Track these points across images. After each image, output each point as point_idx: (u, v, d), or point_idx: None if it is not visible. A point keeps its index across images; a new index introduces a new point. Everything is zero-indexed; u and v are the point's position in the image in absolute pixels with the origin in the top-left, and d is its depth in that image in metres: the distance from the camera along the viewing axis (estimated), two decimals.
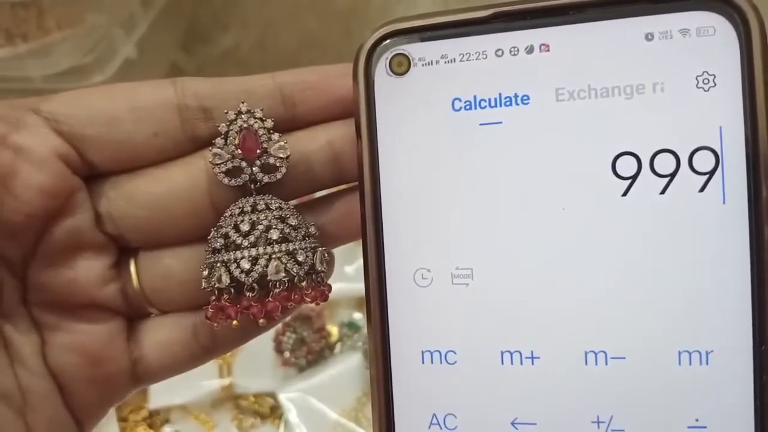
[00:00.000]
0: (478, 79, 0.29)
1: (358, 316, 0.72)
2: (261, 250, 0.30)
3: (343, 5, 0.84)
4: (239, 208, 0.31)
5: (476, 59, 0.29)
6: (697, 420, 0.27)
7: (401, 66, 0.29)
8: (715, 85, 0.27)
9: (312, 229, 0.31)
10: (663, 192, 0.27)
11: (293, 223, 0.30)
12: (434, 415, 0.30)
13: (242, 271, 0.30)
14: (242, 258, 0.30)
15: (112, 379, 0.32)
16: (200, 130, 0.31)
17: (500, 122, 0.29)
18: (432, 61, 0.29)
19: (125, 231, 0.32)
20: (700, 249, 0.27)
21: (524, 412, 0.29)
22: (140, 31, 0.74)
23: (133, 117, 0.31)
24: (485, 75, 0.29)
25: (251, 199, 0.31)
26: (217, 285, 0.30)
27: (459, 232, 0.29)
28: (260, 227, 0.30)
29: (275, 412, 0.67)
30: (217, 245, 0.30)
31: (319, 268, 0.31)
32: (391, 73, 0.30)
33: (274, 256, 0.30)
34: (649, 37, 0.27)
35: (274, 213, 0.30)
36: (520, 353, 0.29)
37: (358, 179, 0.30)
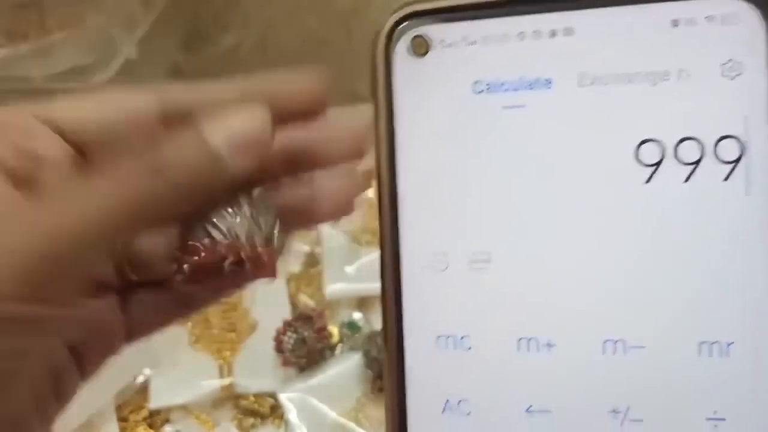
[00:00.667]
0: (499, 62, 0.29)
1: (358, 317, 0.72)
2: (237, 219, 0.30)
3: (344, 5, 0.84)
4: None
5: (498, 42, 0.29)
6: (715, 412, 0.27)
7: (421, 47, 0.29)
8: (741, 73, 0.26)
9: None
10: (687, 180, 0.27)
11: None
12: (447, 400, 0.29)
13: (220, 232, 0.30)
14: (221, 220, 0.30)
15: (113, 344, 0.33)
16: None
17: (521, 106, 0.28)
18: (452, 43, 0.29)
19: None
20: (723, 238, 0.27)
21: (539, 400, 0.28)
22: (141, 32, 0.74)
23: (124, 125, 0.31)
24: (507, 58, 0.28)
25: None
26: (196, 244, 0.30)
27: (477, 216, 0.29)
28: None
29: (275, 412, 0.67)
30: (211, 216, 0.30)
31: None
32: (411, 55, 0.29)
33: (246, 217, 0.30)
34: (675, 23, 0.27)
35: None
36: (537, 340, 0.28)
37: (375, 162, 0.30)
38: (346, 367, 0.69)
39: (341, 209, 0.33)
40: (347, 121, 0.33)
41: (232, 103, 0.31)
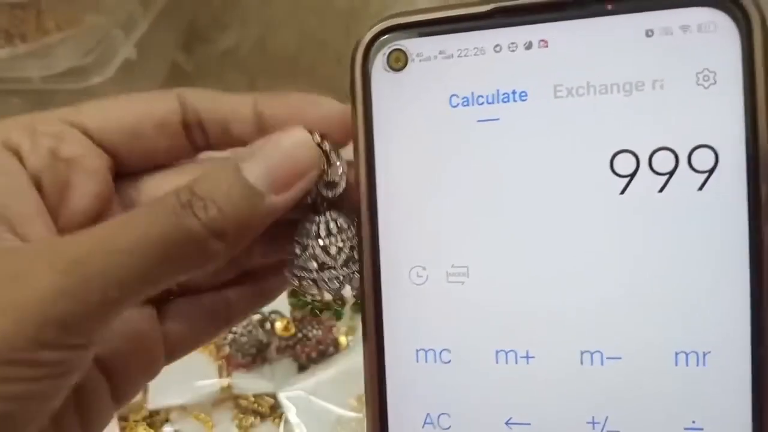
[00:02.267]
0: (476, 75, 0.29)
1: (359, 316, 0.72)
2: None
3: (343, 5, 0.84)
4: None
5: (474, 55, 0.29)
6: (693, 422, 0.27)
7: (399, 61, 0.29)
8: (716, 82, 0.26)
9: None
10: (661, 190, 0.27)
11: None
12: (428, 414, 0.29)
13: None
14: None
15: (151, 358, 0.34)
16: (199, 142, 0.33)
17: (497, 119, 0.28)
18: (430, 57, 0.29)
19: None
20: (698, 248, 0.27)
21: (519, 412, 0.29)
22: (140, 32, 0.74)
23: (155, 132, 0.32)
24: (483, 71, 0.29)
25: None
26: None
27: (455, 229, 0.29)
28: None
29: (275, 411, 0.67)
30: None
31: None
32: (388, 69, 0.29)
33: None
34: (649, 33, 0.27)
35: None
36: (515, 353, 0.28)
37: (355, 175, 0.30)
38: (346, 366, 0.69)
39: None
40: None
41: (276, 131, 0.31)
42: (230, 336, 0.70)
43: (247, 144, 0.31)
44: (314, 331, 0.71)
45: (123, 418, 0.68)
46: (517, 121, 0.28)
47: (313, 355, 0.70)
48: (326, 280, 0.31)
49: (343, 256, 0.31)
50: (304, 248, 0.31)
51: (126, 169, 0.32)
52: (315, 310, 0.33)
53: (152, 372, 0.34)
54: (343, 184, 0.31)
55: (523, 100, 0.28)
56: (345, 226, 0.31)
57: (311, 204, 0.31)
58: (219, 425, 0.68)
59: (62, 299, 0.25)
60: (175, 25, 0.88)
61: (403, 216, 0.29)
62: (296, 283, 0.32)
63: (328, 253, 0.31)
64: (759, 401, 0.27)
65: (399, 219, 0.29)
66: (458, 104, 0.29)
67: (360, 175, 0.30)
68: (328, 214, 0.31)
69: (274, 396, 0.68)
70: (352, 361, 0.69)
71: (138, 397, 0.68)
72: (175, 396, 0.68)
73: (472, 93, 0.29)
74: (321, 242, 0.31)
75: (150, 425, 0.68)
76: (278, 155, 0.29)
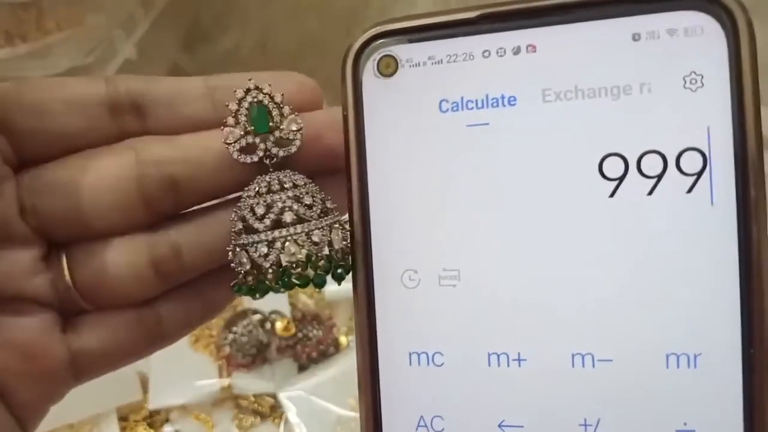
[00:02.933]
0: (465, 80, 0.29)
1: None
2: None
3: (343, 6, 0.84)
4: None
5: (463, 60, 0.29)
6: (685, 424, 0.27)
7: (389, 67, 0.29)
8: (703, 85, 0.27)
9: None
10: (650, 193, 0.27)
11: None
12: (421, 417, 0.30)
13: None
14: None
15: (50, 374, 0.31)
16: (130, 126, 0.31)
17: (487, 123, 0.28)
18: (419, 63, 0.29)
19: (49, 223, 0.31)
20: (688, 250, 0.27)
21: (511, 415, 0.29)
22: (140, 32, 0.74)
23: (65, 111, 0.30)
24: (472, 76, 0.29)
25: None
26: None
27: (446, 233, 0.29)
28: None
29: (276, 411, 0.67)
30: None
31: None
32: (378, 75, 0.29)
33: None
34: (636, 37, 0.27)
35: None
36: (507, 355, 0.29)
37: (346, 180, 0.30)
38: (346, 366, 0.69)
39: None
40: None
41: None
42: (230, 336, 0.70)
43: (203, 124, 0.31)
44: (315, 331, 0.71)
45: (123, 418, 0.68)
46: (507, 125, 0.28)
47: (314, 355, 0.70)
48: (307, 233, 0.29)
49: (318, 208, 0.30)
50: (269, 206, 0.30)
51: (35, 153, 0.31)
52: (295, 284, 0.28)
53: (53, 390, 0.32)
54: (297, 143, 0.30)
55: (512, 105, 0.28)
56: (309, 181, 0.31)
57: (258, 162, 0.30)
58: (219, 425, 0.68)
59: None
60: (175, 26, 0.88)
61: (395, 220, 0.30)
62: (263, 251, 0.29)
63: (301, 202, 0.30)
64: (750, 403, 0.27)
65: (391, 223, 0.30)
66: (448, 109, 0.29)
67: (352, 179, 0.30)
68: (273, 174, 0.31)
69: (274, 396, 0.68)
70: (352, 361, 0.68)
71: (138, 397, 0.69)
72: (175, 396, 0.68)
73: (462, 98, 0.29)
74: (291, 193, 0.30)
75: (150, 425, 0.68)
76: None
